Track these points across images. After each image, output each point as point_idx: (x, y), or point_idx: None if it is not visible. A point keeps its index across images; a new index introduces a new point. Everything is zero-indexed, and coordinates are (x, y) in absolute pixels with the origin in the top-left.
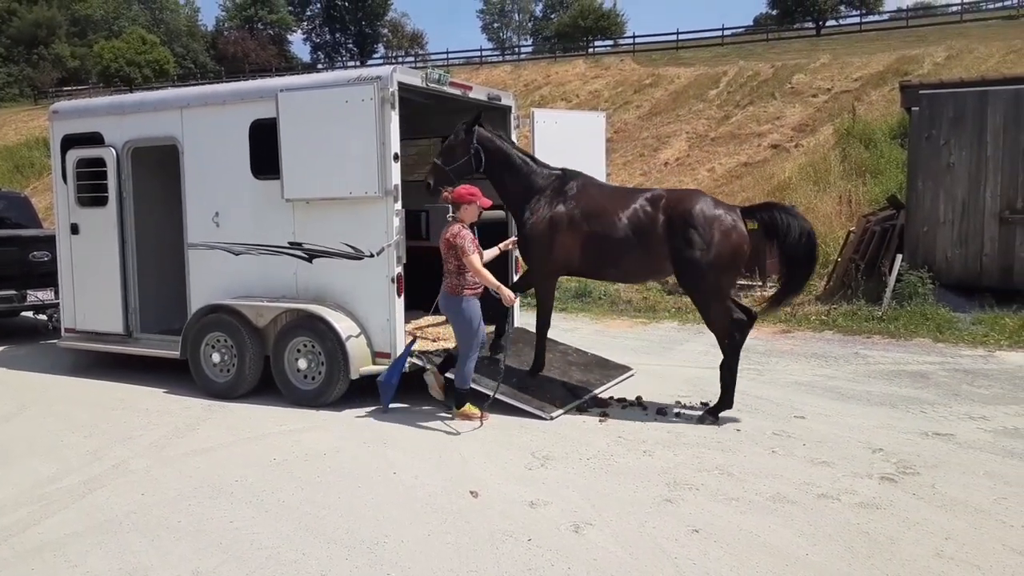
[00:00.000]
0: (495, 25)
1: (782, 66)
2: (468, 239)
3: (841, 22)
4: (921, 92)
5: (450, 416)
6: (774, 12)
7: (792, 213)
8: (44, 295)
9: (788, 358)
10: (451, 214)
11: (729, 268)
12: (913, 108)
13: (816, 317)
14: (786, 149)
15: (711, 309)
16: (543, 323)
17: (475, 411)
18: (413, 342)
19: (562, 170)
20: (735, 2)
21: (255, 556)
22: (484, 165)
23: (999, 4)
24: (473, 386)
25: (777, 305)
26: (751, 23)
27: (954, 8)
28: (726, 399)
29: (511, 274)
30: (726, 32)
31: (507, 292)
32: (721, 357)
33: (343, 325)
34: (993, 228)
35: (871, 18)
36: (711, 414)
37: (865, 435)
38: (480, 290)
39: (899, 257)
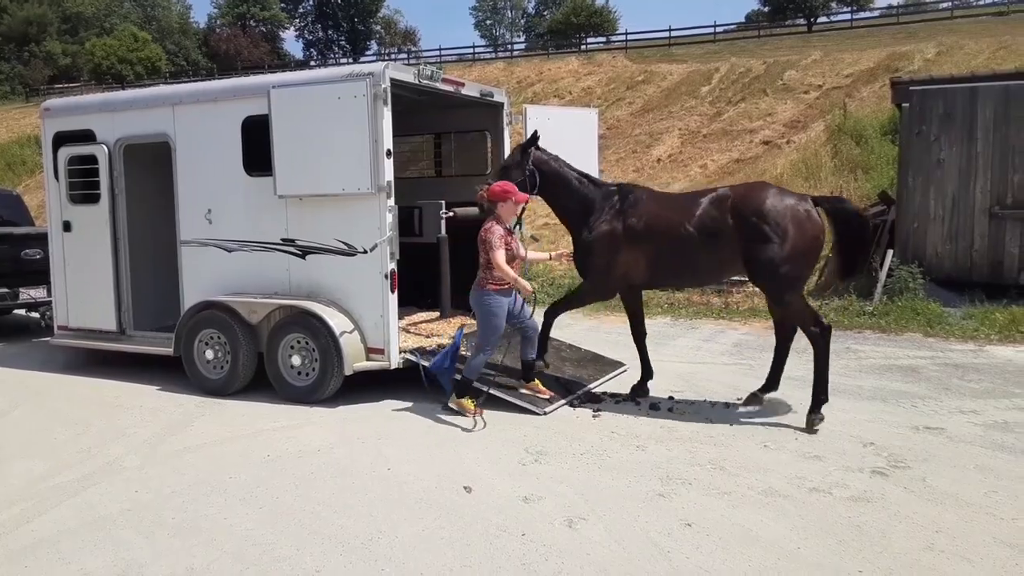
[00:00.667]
0: (488, 22)
1: (774, 63)
2: (497, 235)
3: (832, 19)
4: (911, 88)
5: (445, 408)
6: (766, 9)
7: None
8: (36, 293)
9: None
10: (444, 211)
11: (806, 259)
12: (904, 104)
13: None
14: (778, 145)
15: (790, 301)
16: (555, 313)
17: (471, 406)
18: (463, 328)
19: (618, 185)
20: None
21: (249, 552)
22: (539, 186)
23: (989, 1)
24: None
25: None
26: (743, 20)
27: (944, 5)
28: (820, 392)
29: None
30: (718, 29)
31: (524, 284)
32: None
33: (337, 321)
34: (983, 223)
35: (862, 15)
36: (813, 413)
37: (856, 429)
38: (506, 286)
39: (890, 252)
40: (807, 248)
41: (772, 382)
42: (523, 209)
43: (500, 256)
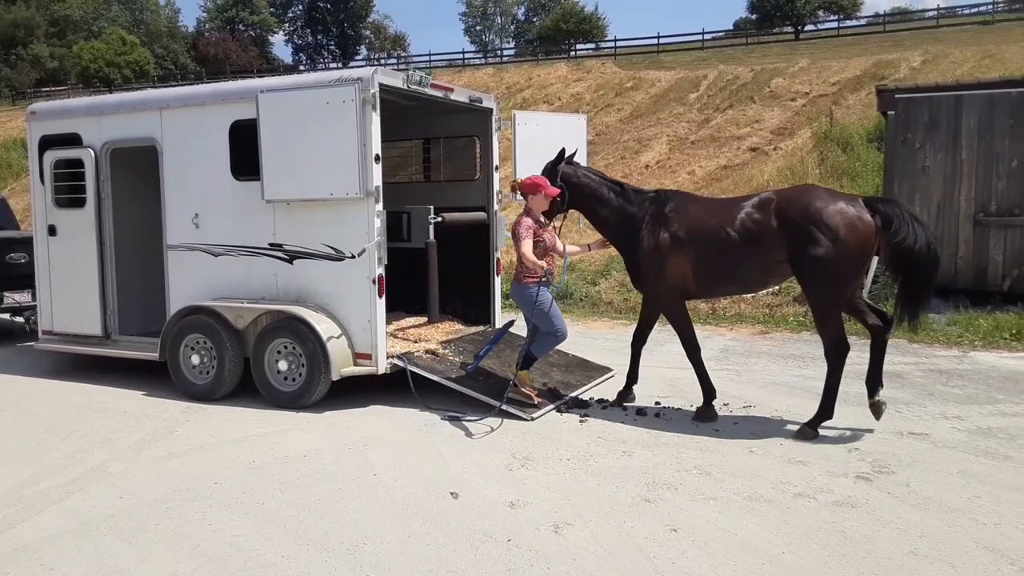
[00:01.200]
0: (478, 28)
1: (761, 70)
2: (524, 226)
3: (819, 27)
4: (897, 96)
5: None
6: (754, 17)
7: (917, 218)
8: (21, 297)
9: (766, 358)
10: (433, 216)
11: (857, 263)
12: (889, 112)
13: (794, 318)
14: (765, 152)
15: (829, 314)
16: (692, 349)
17: (533, 383)
18: (511, 323)
19: (656, 192)
20: (715, 6)
21: (233, 559)
22: (571, 201)
23: (975, 10)
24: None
25: (912, 322)
26: (731, 27)
27: (931, 13)
28: (826, 410)
29: (492, 273)
30: (706, 36)
31: (539, 264)
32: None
33: (324, 326)
34: (967, 231)
35: (849, 23)
36: (810, 427)
37: (841, 434)
38: (539, 277)
39: (875, 259)
40: (857, 252)
41: (873, 382)
42: (557, 208)
43: (525, 246)
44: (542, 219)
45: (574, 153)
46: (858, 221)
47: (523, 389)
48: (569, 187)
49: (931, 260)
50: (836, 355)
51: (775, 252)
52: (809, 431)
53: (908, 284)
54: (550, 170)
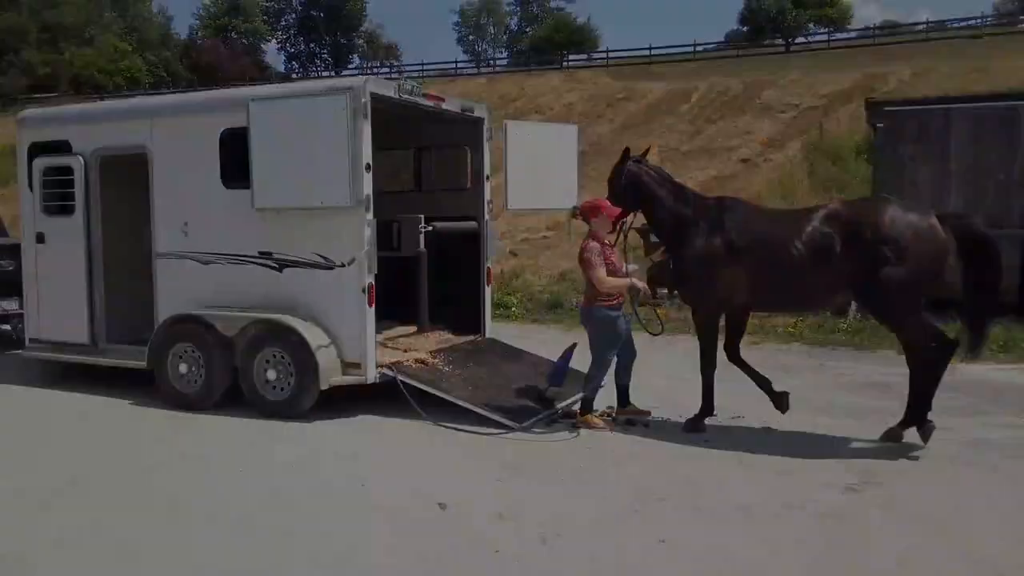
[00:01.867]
0: (470, 38)
1: (752, 82)
2: (595, 252)
3: (810, 39)
4: (886, 109)
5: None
6: (745, 29)
7: (990, 235)
8: (8, 305)
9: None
10: (423, 225)
11: (925, 279)
12: (879, 124)
13: (783, 329)
14: (755, 164)
15: (910, 326)
16: (709, 363)
17: (597, 421)
18: (574, 347)
19: (717, 199)
20: (707, 19)
21: (219, 571)
22: (635, 200)
23: (964, 24)
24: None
25: (981, 335)
26: (722, 39)
27: (920, 27)
28: (916, 414)
29: (483, 282)
30: (698, 48)
31: (639, 284)
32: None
33: (313, 335)
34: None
35: (839, 36)
36: (897, 430)
37: (830, 446)
38: (615, 301)
39: None
40: (928, 268)
41: (915, 415)
42: (624, 223)
43: (601, 273)
44: (607, 241)
45: (645, 152)
46: (933, 237)
47: (590, 427)
48: (634, 186)
49: (1001, 279)
50: (935, 356)
51: (841, 266)
52: (926, 429)
53: (977, 303)
54: (616, 169)
